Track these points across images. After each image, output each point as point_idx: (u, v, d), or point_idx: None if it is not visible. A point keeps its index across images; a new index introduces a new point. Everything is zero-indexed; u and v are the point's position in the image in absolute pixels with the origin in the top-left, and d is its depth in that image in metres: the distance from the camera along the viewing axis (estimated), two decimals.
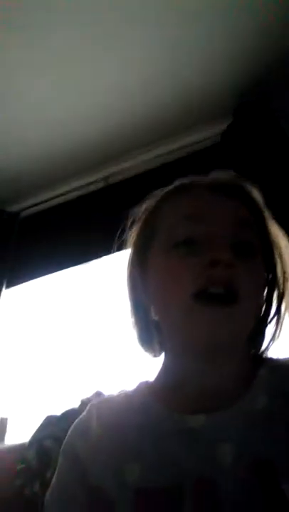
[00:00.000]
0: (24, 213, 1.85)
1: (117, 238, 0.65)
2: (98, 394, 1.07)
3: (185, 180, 0.61)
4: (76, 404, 1.08)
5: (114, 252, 0.68)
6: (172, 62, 1.30)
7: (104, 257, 1.56)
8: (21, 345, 1.77)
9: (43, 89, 1.36)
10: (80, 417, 0.59)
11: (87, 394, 1.08)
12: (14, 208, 1.84)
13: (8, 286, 1.79)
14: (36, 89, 1.36)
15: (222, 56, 1.28)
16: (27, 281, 1.75)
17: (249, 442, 0.47)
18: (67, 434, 0.58)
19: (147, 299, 0.58)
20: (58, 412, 1.11)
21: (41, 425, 1.11)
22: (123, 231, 0.65)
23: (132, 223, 0.64)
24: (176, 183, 0.61)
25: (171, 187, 0.62)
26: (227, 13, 1.19)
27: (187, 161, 1.49)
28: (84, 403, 1.01)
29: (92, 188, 1.67)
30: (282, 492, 0.43)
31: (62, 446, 0.58)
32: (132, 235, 0.63)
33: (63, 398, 1.47)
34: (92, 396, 1.07)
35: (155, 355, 0.61)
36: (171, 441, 0.50)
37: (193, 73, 1.34)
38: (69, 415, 1.03)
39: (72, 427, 0.58)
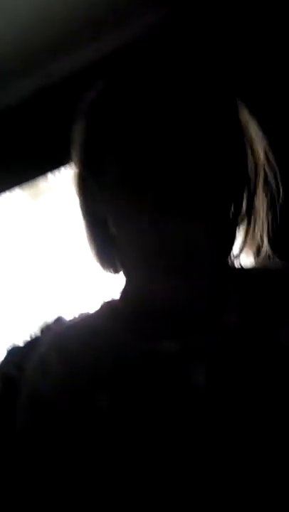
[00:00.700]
0: None
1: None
2: (59, 319, 1.06)
3: (138, 63, 0.51)
4: (37, 332, 1.07)
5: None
6: None
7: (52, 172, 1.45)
8: None
9: None
10: (39, 349, 0.56)
11: (47, 320, 1.07)
12: None
13: None
14: None
15: None
16: None
17: (224, 365, 0.46)
18: (27, 368, 0.56)
19: (104, 207, 0.52)
20: (21, 341, 1.11)
21: (5, 354, 1.11)
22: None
23: (80, 117, 0.54)
24: (127, 66, 0.51)
25: (121, 72, 0.52)
26: None
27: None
28: (44, 331, 1.00)
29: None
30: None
31: (22, 381, 0.56)
32: (79, 130, 0.54)
33: (27, 325, 1.48)
34: (53, 322, 1.05)
35: (116, 272, 0.56)
36: (141, 369, 0.48)
37: None
38: (31, 344, 1.03)
39: (34, 362, 0.55)
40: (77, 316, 0.57)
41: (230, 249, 0.53)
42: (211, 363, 0.46)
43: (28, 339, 1.06)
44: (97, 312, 0.57)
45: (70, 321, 0.58)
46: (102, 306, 0.57)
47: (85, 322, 0.57)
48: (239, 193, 0.51)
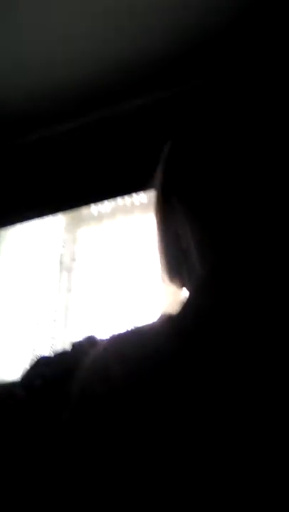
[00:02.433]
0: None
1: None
2: (90, 338, 1.07)
3: None
4: (68, 348, 1.08)
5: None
6: None
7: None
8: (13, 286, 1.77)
9: None
10: (93, 357, 0.57)
11: (79, 338, 1.08)
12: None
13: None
14: None
15: None
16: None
17: None
18: (82, 376, 0.56)
19: (185, 220, 0.58)
20: (49, 354, 1.12)
21: (32, 365, 1.12)
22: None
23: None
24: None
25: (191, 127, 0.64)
26: None
27: None
28: (76, 347, 1.00)
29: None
30: None
31: (80, 387, 0.56)
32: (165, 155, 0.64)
33: (54, 340, 1.49)
34: (84, 340, 1.06)
35: (182, 285, 0.60)
36: None
37: None
38: (61, 357, 1.04)
39: (90, 366, 0.56)
40: (128, 328, 0.58)
41: None
42: None
43: (58, 352, 1.07)
44: (151, 325, 0.57)
45: (127, 331, 0.58)
46: (161, 320, 0.57)
47: (145, 333, 0.56)
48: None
